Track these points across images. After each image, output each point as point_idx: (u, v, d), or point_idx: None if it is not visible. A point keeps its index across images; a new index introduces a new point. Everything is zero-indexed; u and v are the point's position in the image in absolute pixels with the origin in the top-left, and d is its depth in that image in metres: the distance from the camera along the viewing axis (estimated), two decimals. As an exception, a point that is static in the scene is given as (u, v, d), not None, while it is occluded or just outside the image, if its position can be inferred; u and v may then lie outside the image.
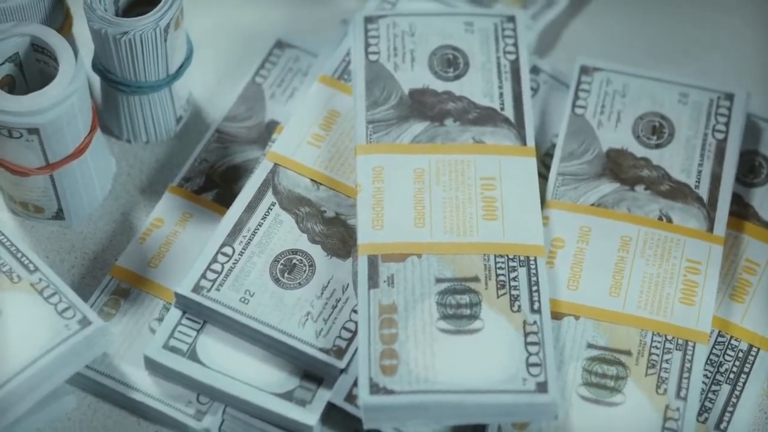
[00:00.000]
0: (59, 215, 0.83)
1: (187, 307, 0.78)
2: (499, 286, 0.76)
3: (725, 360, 0.77)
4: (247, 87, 0.88)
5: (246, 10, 0.92)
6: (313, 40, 0.90)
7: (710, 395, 0.76)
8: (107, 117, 0.87)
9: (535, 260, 0.77)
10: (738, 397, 0.76)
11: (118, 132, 0.87)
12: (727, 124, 0.83)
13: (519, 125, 0.82)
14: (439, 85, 0.83)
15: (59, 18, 0.85)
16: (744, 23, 0.92)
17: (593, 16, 0.93)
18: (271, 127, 0.87)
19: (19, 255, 0.78)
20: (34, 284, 0.77)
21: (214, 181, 0.85)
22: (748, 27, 0.92)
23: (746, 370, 0.77)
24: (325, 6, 0.93)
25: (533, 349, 0.74)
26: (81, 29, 0.88)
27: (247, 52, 0.90)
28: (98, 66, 0.84)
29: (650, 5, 0.93)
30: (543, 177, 0.83)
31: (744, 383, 0.76)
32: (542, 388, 0.73)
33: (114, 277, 0.81)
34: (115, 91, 0.84)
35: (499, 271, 0.76)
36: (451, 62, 0.84)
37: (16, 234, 0.83)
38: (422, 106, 0.82)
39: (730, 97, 0.84)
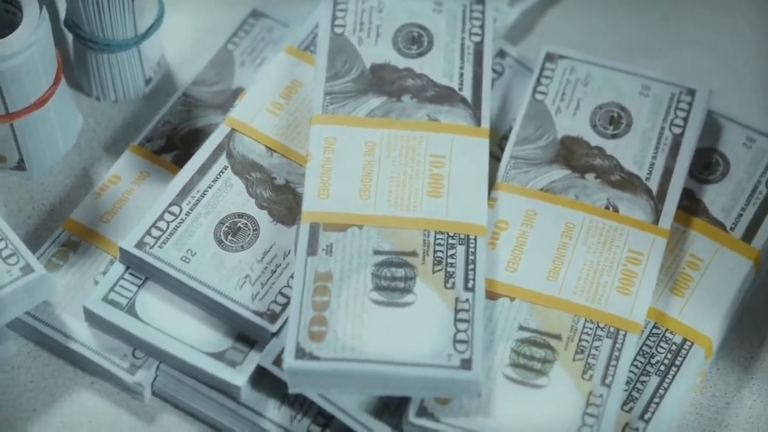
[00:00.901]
0: (20, 165, 0.85)
1: (131, 262, 0.79)
2: (435, 262, 0.76)
3: (658, 352, 0.77)
4: (218, 53, 0.89)
5: (226, -22, 0.94)
6: (288, 12, 0.91)
7: (638, 385, 0.76)
8: (79, 73, 0.88)
9: (475, 239, 0.77)
10: (666, 389, 0.76)
11: (88, 89, 0.88)
12: (685, 119, 0.83)
13: (476, 106, 0.82)
14: (401, 62, 0.84)
15: (35, -28, 0.86)
16: (723, 20, 0.92)
17: (572, 6, 0.93)
18: (237, 93, 0.88)
19: (-28, 200, 0.80)
20: (-18, 229, 0.79)
21: (175, 143, 0.86)
22: (726, 24, 0.92)
23: (677, 363, 0.77)
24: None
25: (462, 326, 0.74)
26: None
27: (223, 18, 0.91)
28: (69, 22, 0.85)
29: (629, 1, 0.93)
30: (497, 159, 0.83)
31: (674, 376, 0.76)
32: (466, 365, 0.73)
33: (66, 229, 0.82)
34: (85, 48, 0.86)
35: (437, 248, 0.77)
36: (416, 40, 0.84)
37: (-26, 180, 0.84)
38: (382, 81, 0.83)
39: (691, 92, 0.84)
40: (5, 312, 0.77)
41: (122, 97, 0.88)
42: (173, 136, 0.86)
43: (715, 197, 0.82)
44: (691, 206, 0.81)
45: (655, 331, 0.78)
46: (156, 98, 0.89)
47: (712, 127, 0.84)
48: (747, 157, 0.83)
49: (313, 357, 0.73)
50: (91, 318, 0.78)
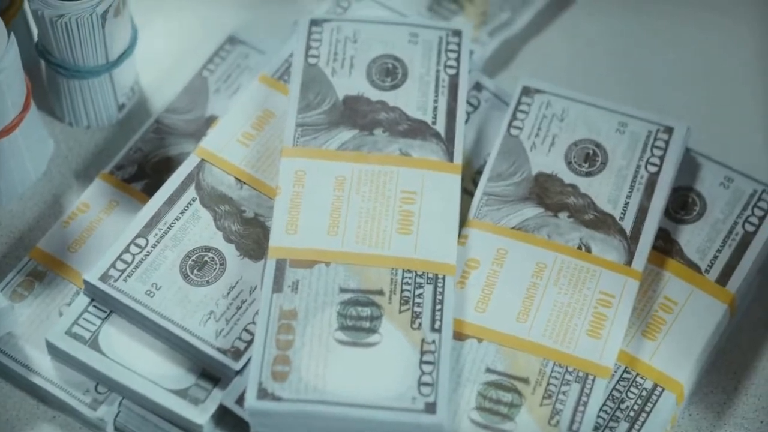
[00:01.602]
0: (-11, 192, 0.84)
1: (95, 294, 0.78)
2: (402, 301, 0.75)
3: (628, 397, 0.76)
4: (193, 79, 0.88)
5: (204, 3, 0.92)
6: (265, 39, 0.90)
7: (607, 431, 0.75)
8: (51, 98, 0.87)
9: (444, 279, 0.76)
10: (635, 436, 0.75)
11: (60, 114, 0.87)
12: (662, 158, 0.81)
13: (449, 141, 0.81)
14: (374, 94, 0.82)
15: (7, -3, 0.85)
16: (705, 55, 0.91)
17: (551, 38, 0.91)
18: (211, 121, 0.86)
19: (-64, 228, 0.79)
20: (-55, 259, 0.78)
21: (146, 172, 0.85)
22: (708, 58, 0.90)
23: (647, 409, 0.75)
24: (285, 5, 0.92)
25: (427, 368, 0.73)
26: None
27: (199, 44, 0.90)
28: (39, 47, 0.84)
29: (611, 34, 0.91)
30: (471, 194, 0.82)
31: (644, 422, 0.75)
32: (431, 408, 0.72)
33: (33, 258, 0.81)
34: (56, 74, 0.85)
35: (404, 287, 0.76)
36: (390, 72, 0.83)
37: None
38: (354, 114, 0.82)
39: (669, 130, 0.82)
40: (-34, 344, 0.76)
41: (95, 123, 0.87)
42: (144, 165, 0.85)
43: (690, 238, 0.81)
44: (665, 247, 0.80)
45: (625, 375, 0.76)
46: (129, 124, 0.88)
47: (689, 165, 0.83)
48: (724, 197, 0.82)
49: (275, 398, 0.72)
50: (54, 351, 0.77)
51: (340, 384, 0.73)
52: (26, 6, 0.87)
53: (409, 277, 0.76)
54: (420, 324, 0.74)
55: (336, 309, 0.75)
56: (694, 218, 0.81)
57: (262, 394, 0.72)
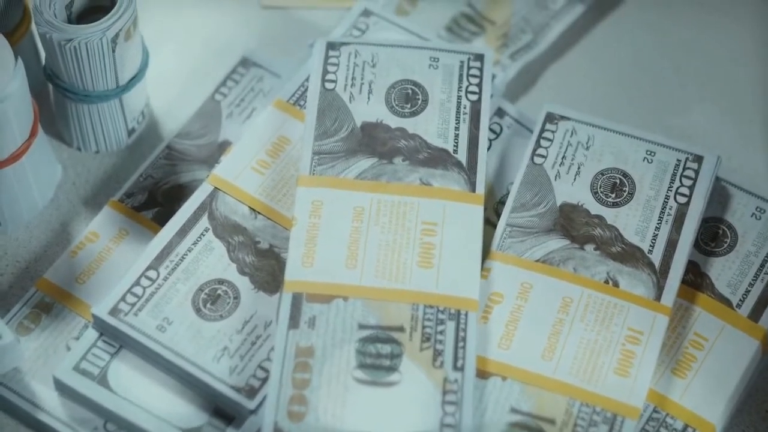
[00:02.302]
0: (-5, 220, 0.81)
1: (104, 329, 0.75)
2: (424, 338, 0.72)
3: (657, 438, 0.73)
4: (205, 104, 0.86)
5: (217, 24, 0.90)
6: (281, 61, 0.87)
7: (636, 474, 0.72)
8: (59, 123, 0.85)
9: (466, 315, 0.73)
10: (665, 480, 0.72)
11: (68, 139, 0.85)
12: (691, 188, 0.79)
13: (471, 170, 0.78)
14: (394, 121, 0.80)
15: (16, 16, 0.82)
16: (735, 78, 0.88)
17: (574, 61, 0.89)
18: (224, 147, 0.84)
19: (-60, 259, 0.76)
20: (-51, 291, 0.75)
21: (157, 200, 0.82)
22: (739, 83, 0.88)
23: (678, 451, 0.73)
24: (299, 26, 0.90)
25: (450, 408, 0.70)
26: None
27: (213, 66, 0.88)
28: (47, 71, 0.81)
29: (635, 56, 0.89)
30: (493, 225, 0.79)
31: (674, 465, 0.72)
32: (453, 451, 0.69)
33: (39, 289, 0.79)
34: (64, 98, 0.82)
35: (426, 323, 0.73)
36: (409, 98, 0.80)
37: (-56, 236, 0.81)
38: (373, 142, 0.79)
39: (699, 159, 0.79)
40: (-30, 381, 0.73)
41: (104, 148, 0.85)
42: (155, 192, 0.82)
43: (721, 271, 0.78)
44: (695, 281, 0.77)
45: (654, 415, 0.73)
46: (139, 149, 0.85)
47: (719, 195, 0.80)
48: (756, 228, 0.79)
49: (291, 439, 0.69)
50: (62, 388, 0.74)
51: (358, 425, 0.70)
52: (34, 28, 0.85)
53: (431, 313, 0.73)
54: (442, 362, 0.72)
55: (355, 346, 0.72)
56: (725, 251, 0.79)
57: (278, 435, 0.70)
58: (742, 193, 0.80)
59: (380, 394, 0.71)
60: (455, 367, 0.72)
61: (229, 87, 0.86)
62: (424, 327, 0.73)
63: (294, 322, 0.73)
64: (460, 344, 0.72)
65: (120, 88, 0.81)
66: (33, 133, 0.79)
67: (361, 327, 0.73)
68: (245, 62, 0.87)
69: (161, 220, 0.81)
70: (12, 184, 0.79)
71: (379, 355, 0.72)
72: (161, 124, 0.86)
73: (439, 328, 0.73)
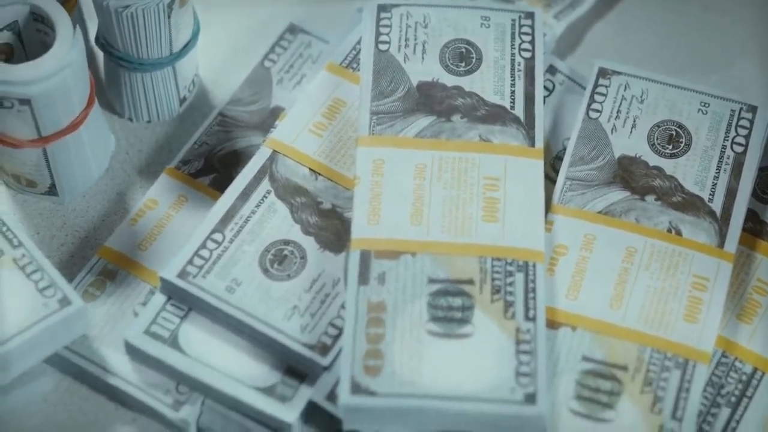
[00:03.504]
0: (52, 190, 0.81)
1: (172, 292, 0.75)
2: (493, 290, 0.73)
3: (727, 382, 0.74)
4: (254, 70, 0.86)
5: (260, -7, 0.90)
6: (327, 27, 0.87)
7: (709, 418, 0.73)
8: (110, 93, 0.85)
9: (534, 266, 0.74)
10: (738, 422, 0.72)
11: (120, 109, 0.85)
12: (747, 137, 0.79)
13: (529, 126, 0.79)
14: (449, 80, 0.80)
15: (65, -11, 0.83)
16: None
17: (619, 19, 0.89)
18: (276, 112, 0.84)
19: (4, 229, 0.76)
20: (16, 259, 0.75)
21: (213, 166, 0.82)
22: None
23: (749, 394, 0.73)
24: (342, -7, 0.90)
25: (524, 358, 0.71)
26: (88, 4, 0.86)
27: (259, 34, 0.88)
28: (101, 40, 0.82)
29: (679, 11, 0.89)
30: (551, 180, 0.80)
31: (746, 407, 0.73)
32: (531, 399, 0.70)
33: (102, 257, 0.79)
34: (118, 67, 0.82)
35: (495, 275, 0.73)
36: (464, 56, 0.81)
37: (5, 207, 0.81)
38: (430, 100, 0.79)
39: (753, 109, 0.80)
40: (42, 347, 0.73)
41: (156, 118, 0.85)
42: (211, 158, 0.82)
43: (779, 218, 0.79)
44: (755, 228, 0.78)
45: (723, 360, 0.74)
46: (191, 118, 0.86)
47: (772, 144, 0.81)
48: (811, 175, 0.80)
49: (369, 392, 0.70)
50: (133, 352, 0.74)
51: (435, 377, 0.70)
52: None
53: (499, 266, 0.74)
54: (513, 313, 0.72)
55: (426, 300, 0.72)
56: (782, 198, 0.79)
57: (356, 389, 0.70)
58: (795, 142, 0.81)
59: (454, 346, 0.71)
60: (527, 318, 0.72)
61: (278, 53, 0.87)
62: (493, 279, 0.73)
63: (363, 278, 0.73)
64: (530, 295, 0.73)
65: (174, 55, 0.82)
66: (90, 102, 0.79)
67: (431, 281, 0.73)
68: (292, 29, 0.87)
69: (219, 185, 0.81)
70: (70, 154, 0.79)
71: (450, 308, 0.72)
72: (210, 92, 0.87)
73: (508, 279, 0.73)
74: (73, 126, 0.78)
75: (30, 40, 0.79)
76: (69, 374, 0.76)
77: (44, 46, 0.79)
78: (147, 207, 0.81)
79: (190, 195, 0.81)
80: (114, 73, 0.83)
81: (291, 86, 0.85)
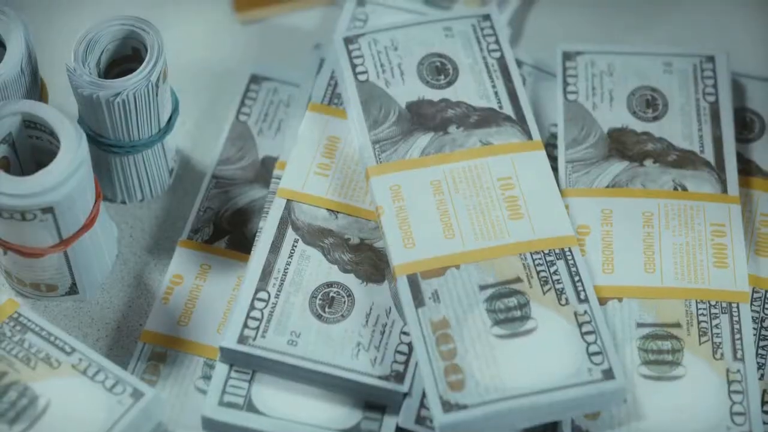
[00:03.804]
0: (73, 290, 0.81)
1: (234, 359, 0.76)
2: (542, 282, 0.76)
3: (766, 314, 0.79)
4: (232, 128, 0.87)
5: (212, 51, 0.91)
6: (288, 69, 0.89)
7: (761, 351, 0.78)
8: (100, 182, 0.85)
9: (571, 251, 0.77)
10: (786, 349, 0.78)
11: (112, 195, 0.85)
12: (715, 86, 0.85)
13: (521, 120, 0.82)
14: (434, 94, 0.83)
15: (36, 91, 0.82)
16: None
17: (547, 4, 0.93)
18: (267, 163, 0.86)
19: (52, 338, 0.76)
20: (75, 365, 0.75)
21: (223, 228, 0.83)
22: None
23: (788, 320, 0.79)
24: (288, 33, 0.92)
25: (590, 338, 0.75)
26: (56, 98, 0.85)
27: (223, 91, 0.89)
28: (86, 133, 0.82)
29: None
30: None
31: (788, 334, 0.78)
32: (608, 374, 0.73)
33: (146, 342, 0.79)
34: (108, 155, 0.82)
35: (539, 268, 0.77)
36: (440, 69, 0.84)
37: (39, 317, 0.80)
38: (423, 118, 0.82)
39: (711, 59, 0.85)
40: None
41: (149, 195, 0.85)
42: (219, 222, 0.83)
43: (762, 154, 0.84)
44: (744, 168, 0.83)
45: (756, 295, 0.79)
46: (181, 188, 0.86)
47: (735, 88, 0.86)
48: (776, 107, 0.86)
49: (460, 407, 0.72)
50: (212, 426, 0.75)
51: (515, 376, 0.73)
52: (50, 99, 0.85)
53: (539, 258, 0.77)
54: (567, 299, 0.76)
55: (483, 306, 0.75)
56: (758, 134, 0.85)
57: (447, 407, 0.72)
58: (753, 81, 0.86)
59: (523, 342, 0.74)
60: (580, 300, 0.76)
61: (249, 106, 0.88)
62: (538, 272, 0.77)
63: (418, 300, 0.76)
64: (576, 278, 0.76)
65: (162, 130, 0.82)
66: (98, 195, 0.79)
67: (482, 288, 0.76)
68: (255, 79, 0.89)
69: (236, 246, 0.82)
70: (89, 250, 0.79)
71: (508, 309, 0.75)
72: (193, 158, 0.87)
73: (552, 269, 0.77)
74: (90, 222, 0.78)
75: (22, 148, 0.79)
76: (152, 464, 0.76)
77: (36, 151, 0.79)
78: (174, 283, 0.81)
79: (212, 261, 0.82)
80: (103, 160, 0.83)
81: (272, 134, 0.87)
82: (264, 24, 0.92)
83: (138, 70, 0.78)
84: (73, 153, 0.75)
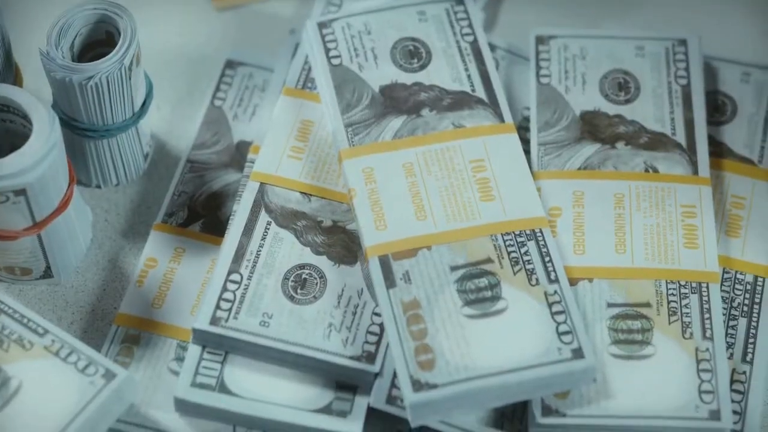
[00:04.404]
0: (47, 273, 0.82)
1: (207, 341, 0.77)
2: (513, 263, 0.77)
3: (736, 294, 0.79)
4: (208, 112, 0.87)
5: (188, 36, 0.91)
6: (263, 55, 0.89)
7: (730, 330, 0.78)
8: (74, 166, 0.85)
9: (542, 232, 0.78)
10: (756, 328, 0.78)
11: (86, 179, 0.85)
12: (687, 69, 0.85)
13: (493, 104, 0.83)
14: (407, 78, 0.83)
15: (10, 75, 0.83)
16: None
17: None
18: (242, 147, 0.86)
19: (25, 320, 0.76)
20: (47, 347, 0.75)
21: (198, 212, 0.84)
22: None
23: (757, 300, 0.79)
24: (264, 19, 0.92)
25: (560, 317, 0.75)
26: (31, 83, 0.86)
27: (199, 77, 0.89)
28: (60, 117, 0.82)
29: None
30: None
31: (758, 314, 0.79)
32: (578, 354, 0.74)
33: (120, 324, 0.80)
34: (82, 139, 0.83)
35: (509, 249, 0.77)
36: (413, 53, 0.84)
37: (13, 299, 0.80)
38: (396, 101, 0.82)
39: (683, 42, 0.86)
40: (100, 424, 0.74)
41: (124, 180, 0.86)
42: (193, 205, 0.84)
43: (733, 136, 0.84)
44: (715, 150, 0.84)
45: (726, 275, 0.80)
46: (156, 172, 0.87)
47: (706, 71, 0.87)
48: (748, 91, 0.86)
49: (430, 386, 0.73)
50: (184, 407, 0.76)
51: (485, 356, 0.74)
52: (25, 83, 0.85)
53: (510, 239, 0.78)
54: (537, 279, 0.76)
55: (454, 287, 0.76)
56: (730, 117, 0.85)
57: (417, 386, 0.73)
58: (726, 63, 0.87)
59: (494, 322, 0.75)
60: (550, 280, 0.76)
61: (224, 91, 0.88)
62: (509, 253, 0.77)
63: (390, 281, 0.76)
64: (547, 258, 0.77)
65: (136, 114, 0.83)
66: (72, 178, 0.79)
67: (453, 269, 0.76)
68: (230, 64, 0.89)
69: (210, 229, 0.83)
70: (63, 233, 0.80)
71: (479, 289, 0.76)
72: (167, 143, 0.88)
73: (522, 250, 0.77)
74: (63, 205, 0.79)
75: (-5, 131, 0.79)
76: (125, 445, 0.77)
77: (9, 134, 0.79)
78: (148, 266, 0.82)
79: (186, 245, 0.82)
80: (78, 144, 0.83)
81: (247, 119, 0.87)
82: (240, 10, 0.93)
83: (111, 54, 0.79)
84: (45, 136, 0.76)
